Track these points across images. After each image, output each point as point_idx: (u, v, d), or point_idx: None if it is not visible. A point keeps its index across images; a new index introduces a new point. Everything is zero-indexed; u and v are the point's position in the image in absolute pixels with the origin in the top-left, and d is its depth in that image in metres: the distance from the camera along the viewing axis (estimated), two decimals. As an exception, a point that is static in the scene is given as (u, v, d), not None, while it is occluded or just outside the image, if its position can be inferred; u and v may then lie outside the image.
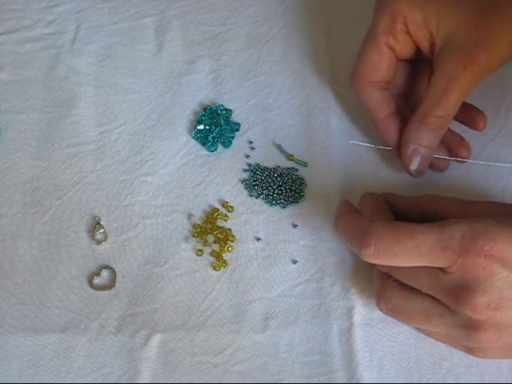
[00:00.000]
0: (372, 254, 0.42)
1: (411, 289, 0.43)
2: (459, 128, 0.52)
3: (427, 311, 0.42)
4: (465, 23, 0.46)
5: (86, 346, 0.47)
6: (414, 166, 0.49)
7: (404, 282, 0.43)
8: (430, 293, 0.42)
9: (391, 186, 0.52)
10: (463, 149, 0.51)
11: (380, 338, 0.47)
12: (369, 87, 0.50)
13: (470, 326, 0.41)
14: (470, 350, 0.44)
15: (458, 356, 0.46)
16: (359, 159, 0.53)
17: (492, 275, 0.39)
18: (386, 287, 0.44)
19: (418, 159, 0.49)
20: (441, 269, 0.41)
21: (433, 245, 0.40)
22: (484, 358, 0.44)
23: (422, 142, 0.48)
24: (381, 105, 0.51)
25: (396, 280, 0.44)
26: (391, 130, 0.50)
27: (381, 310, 0.45)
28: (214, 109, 0.55)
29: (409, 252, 0.41)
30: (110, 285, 0.49)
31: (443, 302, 0.41)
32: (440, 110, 0.47)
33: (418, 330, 0.46)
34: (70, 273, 0.50)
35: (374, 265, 0.45)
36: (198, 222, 0.51)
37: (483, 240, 0.39)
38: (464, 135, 0.52)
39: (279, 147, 0.53)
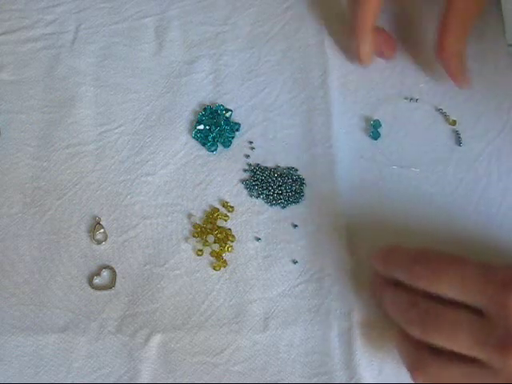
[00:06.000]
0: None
1: (448, 354, 0.41)
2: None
3: (469, 375, 0.40)
4: None
5: (86, 346, 0.47)
6: (463, 76, 0.54)
7: (441, 345, 0.41)
8: (470, 351, 0.40)
9: (391, 186, 0.52)
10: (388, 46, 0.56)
11: (380, 337, 0.47)
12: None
13: None
14: None
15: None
16: (360, 159, 0.53)
17: None
18: (421, 358, 0.42)
19: (462, 68, 0.53)
20: (482, 316, 0.40)
21: (476, 277, 0.40)
22: None
23: (458, 51, 0.53)
24: (373, 13, 0.53)
25: (430, 348, 0.42)
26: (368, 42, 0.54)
27: (416, 381, 0.43)
28: (214, 109, 0.55)
29: (452, 280, 0.41)
30: (110, 285, 0.49)
31: (485, 362, 0.39)
32: (464, 26, 0.52)
33: None
34: (69, 273, 0.50)
35: (404, 335, 0.43)
36: (198, 222, 0.51)
37: None
38: (464, 133, 0.53)
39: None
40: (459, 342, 0.40)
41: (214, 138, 0.54)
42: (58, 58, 0.59)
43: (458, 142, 0.54)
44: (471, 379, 0.40)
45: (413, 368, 0.43)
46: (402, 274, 0.44)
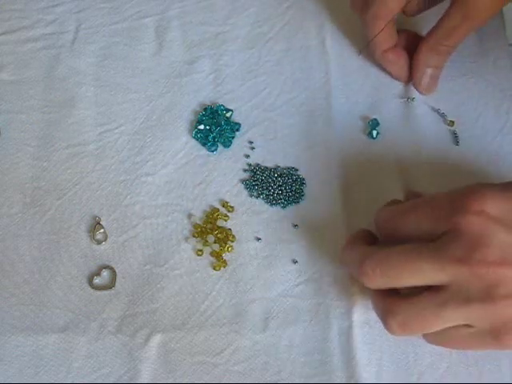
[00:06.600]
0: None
1: (414, 294, 0.41)
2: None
3: (439, 306, 0.40)
4: None
5: (86, 346, 0.47)
6: (424, 85, 0.55)
7: (404, 282, 0.41)
8: (434, 274, 0.39)
9: (391, 186, 0.52)
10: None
11: (379, 337, 0.47)
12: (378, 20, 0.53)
13: (486, 296, 0.38)
14: (496, 338, 0.40)
15: (457, 355, 0.46)
16: (359, 159, 0.53)
17: (488, 232, 0.38)
18: (390, 302, 0.42)
19: (427, 79, 0.55)
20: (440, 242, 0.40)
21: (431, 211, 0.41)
22: None
23: (431, 64, 0.54)
24: (385, 37, 0.54)
25: (397, 293, 0.42)
26: (393, 62, 0.55)
27: (390, 330, 0.42)
28: (214, 109, 0.55)
29: (409, 224, 0.42)
30: (110, 285, 0.49)
31: (450, 283, 0.39)
32: (450, 41, 0.53)
33: (437, 342, 0.43)
34: (69, 273, 0.50)
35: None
36: (198, 222, 0.51)
37: (474, 197, 0.39)
38: (463, 133, 0.54)
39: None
40: (421, 269, 0.40)
41: (214, 137, 0.54)
42: (58, 58, 0.59)
43: (456, 142, 0.54)
44: (443, 305, 0.39)
45: (383, 314, 0.42)
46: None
